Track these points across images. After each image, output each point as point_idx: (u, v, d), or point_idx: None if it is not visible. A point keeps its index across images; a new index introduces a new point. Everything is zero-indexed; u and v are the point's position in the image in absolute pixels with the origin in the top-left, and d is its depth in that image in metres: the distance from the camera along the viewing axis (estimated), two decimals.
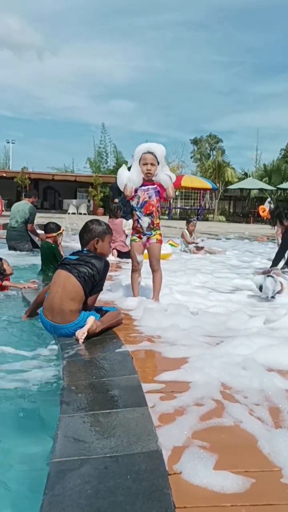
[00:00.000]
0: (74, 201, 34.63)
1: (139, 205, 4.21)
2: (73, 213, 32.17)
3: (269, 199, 30.51)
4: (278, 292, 4.72)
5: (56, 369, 2.77)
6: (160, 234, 4.30)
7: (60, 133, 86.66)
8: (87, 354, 2.84)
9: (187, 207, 32.83)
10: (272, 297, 4.65)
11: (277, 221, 6.60)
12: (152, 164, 4.11)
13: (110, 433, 1.82)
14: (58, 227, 6.46)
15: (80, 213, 32.49)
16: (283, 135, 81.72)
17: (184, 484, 1.48)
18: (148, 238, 4.25)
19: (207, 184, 30.09)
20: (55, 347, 3.12)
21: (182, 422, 1.89)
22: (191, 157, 45.69)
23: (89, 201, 34.96)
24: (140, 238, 4.27)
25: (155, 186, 4.18)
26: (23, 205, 9.20)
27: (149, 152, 4.12)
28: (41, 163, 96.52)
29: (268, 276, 4.76)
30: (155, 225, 4.24)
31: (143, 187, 4.18)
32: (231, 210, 37.10)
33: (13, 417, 2.28)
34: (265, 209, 28.77)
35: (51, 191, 37.48)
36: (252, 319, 3.73)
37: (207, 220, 32.45)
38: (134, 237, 4.30)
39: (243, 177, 37.15)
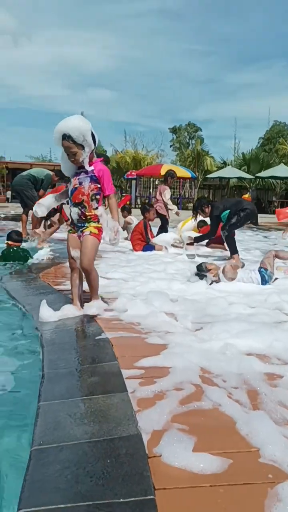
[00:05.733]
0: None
1: (69, 193, 3.53)
2: None
3: (253, 187, 30.77)
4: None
5: (35, 356, 2.76)
6: (96, 227, 3.47)
7: (37, 122, 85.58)
8: (66, 342, 2.83)
9: None
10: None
11: (198, 212, 6.78)
12: (71, 152, 3.35)
13: (90, 419, 1.83)
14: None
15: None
16: (261, 124, 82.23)
17: (163, 467, 1.50)
18: (82, 231, 3.49)
19: (187, 173, 30.08)
20: (35, 334, 3.11)
21: (161, 406, 1.90)
22: (170, 146, 45.66)
23: None
24: (75, 230, 3.56)
25: (91, 169, 3.45)
26: (45, 169, 9.39)
27: (63, 139, 3.31)
28: (18, 153, 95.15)
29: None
30: (88, 217, 3.46)
31: (76, 172, 3.49)
32: (210, 199, 37.24)
33: None
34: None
35: None
36: (230, 305, 3.77)
37: (186, 209, 32.46)
38: (70, 228, 3.64)
39: (222, 166, 37.24)
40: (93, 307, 3.45)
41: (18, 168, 34.34)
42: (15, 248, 6.41)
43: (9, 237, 6.61)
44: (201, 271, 4.79)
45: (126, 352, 2.60)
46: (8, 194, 32.50)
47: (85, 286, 3.63)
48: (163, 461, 1.52)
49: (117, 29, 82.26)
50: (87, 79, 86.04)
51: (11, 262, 6.20)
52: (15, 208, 16.71)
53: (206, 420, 1.83)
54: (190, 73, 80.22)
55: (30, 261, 6.36)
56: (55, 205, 3.80)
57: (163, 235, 8.10)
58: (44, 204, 3.77)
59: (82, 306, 3.53)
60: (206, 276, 4.73)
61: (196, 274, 4.82)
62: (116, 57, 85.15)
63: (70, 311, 3.43)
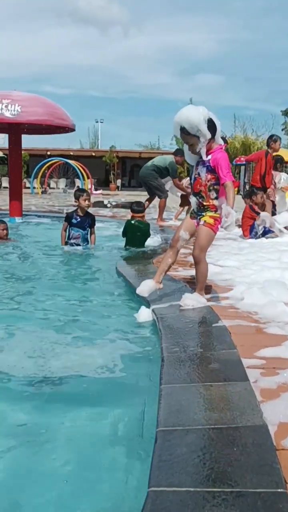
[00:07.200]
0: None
1: (191, 182, 3.61)
2: None
3: None
4: None
5: (152, 340, 2.82)
6: (212, 217, 3.42)
7: (146, 111, 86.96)
8: (183, 328, 2.85)
9: None
10: None
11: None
12: (188, 143, 3.41)
13: (213, 405, 1.82)
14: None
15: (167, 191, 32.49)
16: None
17: None
18: (199, 220, 3.49)
19: None
20: (151, 318, 3.18)
21: (287, 398, 1.84)
22: (283, 130, 43.56)
23: None
24: (195, 216, 3.57)
25: (207, 159, 3.39)
26: (167, 157, 9.73)
27: (179, 130, 3.35)
28: (128, 141, 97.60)
29: None
30: (205, 207, 3.45)
31: (198, 160, 3.50)
32: None
33: (112, 385, 2.36)
34: None
35: (137, 170, 37.87)
36: None
37: None
38: (191, 212, 3.62)
39: None
40: (192, 300, 3.31)
41: (127, 157, 35.33)
42: (137, 220, 6.51)
43: (131, 208, 6.78)
44: None
45: (244, 341, 2.55)
46: (119, 182, 33.58)
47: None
48: None
49: (227, 11, 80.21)
50: (195, 65, 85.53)
51: (134, 233, 6.42)
52: (125, 196, 17.23)
53: None
54: None
55: (148, 242, 6.53)
56: None
57: (285, 213, 7.81)
58: None
59: (161, 282, 3.54)
60: None
61: None
62: (224, 41, 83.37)
63: (148, 285, 3.48)
